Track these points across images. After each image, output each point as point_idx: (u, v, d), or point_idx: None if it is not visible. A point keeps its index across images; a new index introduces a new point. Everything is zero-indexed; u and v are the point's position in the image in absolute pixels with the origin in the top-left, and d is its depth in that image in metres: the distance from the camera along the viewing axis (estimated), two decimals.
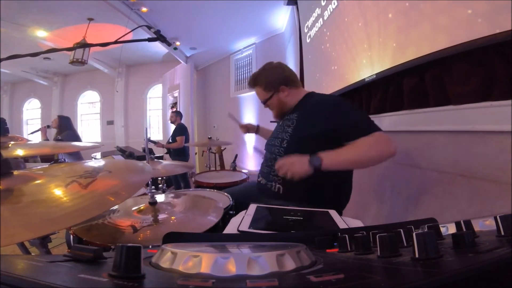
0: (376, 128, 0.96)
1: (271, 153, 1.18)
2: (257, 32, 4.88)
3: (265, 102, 1.24)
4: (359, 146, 0.91)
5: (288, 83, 1.20)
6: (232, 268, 0.24)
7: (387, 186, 1.54)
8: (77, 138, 3.43)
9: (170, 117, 4.10)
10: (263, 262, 0.25)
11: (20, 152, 0.96)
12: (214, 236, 0.62)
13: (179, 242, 0.39)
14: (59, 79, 7.59)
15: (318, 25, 2.47)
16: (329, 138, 0.99)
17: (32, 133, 3.59)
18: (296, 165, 0.90)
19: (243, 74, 5.51)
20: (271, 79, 1.20)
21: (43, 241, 0.86)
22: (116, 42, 1.01)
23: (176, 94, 6.27)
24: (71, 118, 3.57)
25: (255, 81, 1.26)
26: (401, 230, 0.34)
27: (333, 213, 0.74)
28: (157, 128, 7.31)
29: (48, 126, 3.45)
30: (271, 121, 1.65)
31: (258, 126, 1.70)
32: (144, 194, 1.19)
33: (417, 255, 0.24)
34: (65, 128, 3.32)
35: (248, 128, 1.69)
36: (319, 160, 0.89)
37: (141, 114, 7.29)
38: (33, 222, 0.40)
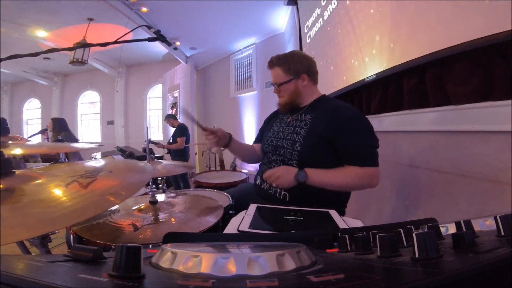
0: (371, 162, 1.00)
1: (279, 155, 1.12)
2: (257, 32, 4.87)
3: (280, 85, 1.16)
4: (346, 174, 1.00)
5: (311, 74, 1.17)
6: (232, 268, 0.24)
7: (387, 186, 1.54)
8: (73, 140, 3.43)
9: (167, 123, 4.13)
10: (263, 262, 0.24)
11: (18, 151, 0.96)
12: (214, 236, 0.62)
13: (179, 242, 0.39)
14: (59, 79, 7.59)
15: (318, 25, 2.47)
16: (335, 147, 1.02)
17: (31, 136, 3.59)
18: (282, 179, 0.98)
19: (243, 74, 5.51)
20: (296, 64, 1.14)
21: (43, 241, 0.86)
22: (116, 42, 1.01)
23: (176, 94, 6.26)
24: (71, 119, 3.58)
25: (277, 61, 1.16)
26: (401, 230, 0.34)
27: (333, 213, 0.74)
28: (157, 128, 7.30)
29: (45, 130, 3.46)
30: None
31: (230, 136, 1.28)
32: (145, 193, 1.19)
33: (417, 255, 0.24)
34: (60, 129, 3.33)
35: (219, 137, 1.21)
36: (305, 177, 0.97)
37: (141, 114, 7.29)
38: (31, 222, 0.39)
